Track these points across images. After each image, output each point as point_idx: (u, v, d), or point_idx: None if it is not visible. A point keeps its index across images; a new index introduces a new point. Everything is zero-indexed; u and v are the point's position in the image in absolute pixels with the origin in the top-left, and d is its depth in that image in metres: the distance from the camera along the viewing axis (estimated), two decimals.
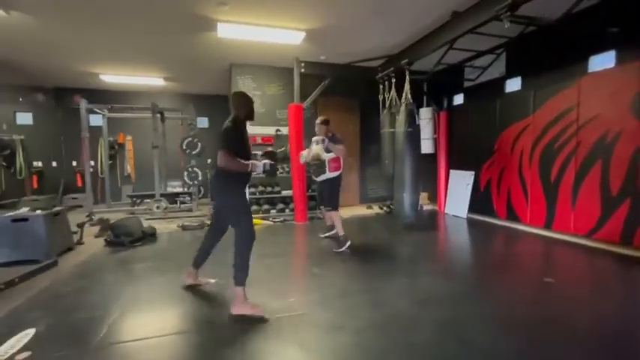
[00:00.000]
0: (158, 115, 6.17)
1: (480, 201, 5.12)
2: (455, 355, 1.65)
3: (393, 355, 1.65)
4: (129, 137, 7.39)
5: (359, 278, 2.72)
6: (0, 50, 4.70)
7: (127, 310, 2.20)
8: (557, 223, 3.98)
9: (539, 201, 4.21)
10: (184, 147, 5.64)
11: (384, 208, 5.88)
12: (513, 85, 4.69)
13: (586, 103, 3.62)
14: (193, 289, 2.53)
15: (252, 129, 4.99)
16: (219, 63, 5.41)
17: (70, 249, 3.66)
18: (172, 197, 6.12)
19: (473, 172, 5.25)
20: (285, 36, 4.22)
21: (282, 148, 5.37)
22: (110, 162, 7.12)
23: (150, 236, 4.09)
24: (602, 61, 3.54)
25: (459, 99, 5.80)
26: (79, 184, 6.93)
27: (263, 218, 5.09)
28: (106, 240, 3.86)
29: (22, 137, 6.59)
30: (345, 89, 6.05)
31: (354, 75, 5.60)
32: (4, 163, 6.49)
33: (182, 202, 6.04)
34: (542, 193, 4.16)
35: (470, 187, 5.24)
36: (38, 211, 3.24)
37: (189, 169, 5.67)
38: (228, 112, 5.84)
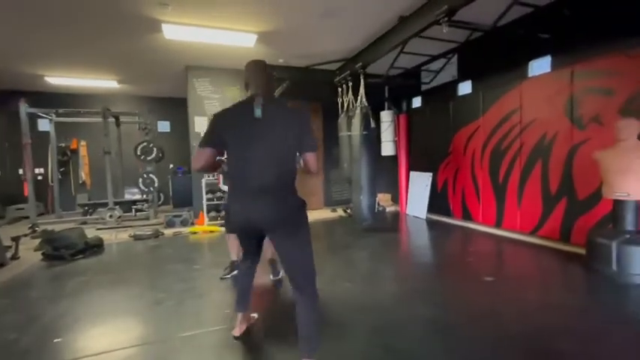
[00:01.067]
0: (112, 120, 5.90)
1: (437, 201, 5.23)
2: None
3: None
4: (83, 143, 7.02)
5: None
6: None
7: (45, 332, 2.03)
8: (505, 221, 4.12)
9: (489, 200, 4.34)
10: (139, 153, 5.42)
11: (348, 211, 5.88)
12: (465, 88, 4.83)
13: (527, 107, 3.77)
14: (123, 306, 2.39)
15: None
16: (173, 65, 5.23)
17: (1, 265, 3.39)
18: (128, 205, 5.86)
19: (431, 174, 5.35)
20: (236, 38, 4.13)
21: None
22: (62, 169, 6.75)
23: (95, 247, 3.87)
24: (540, 66, 3.70)
25: (417, 102, 5.91)
26: (26, 193, 6.48)
27: (221, 225, 4.95)
28: (43, 254, 3.61)
29: None
30: (307, 92, 6.03)
31: (315, 78, 5.58)
32: None
33: (138, 210, 5.79)
34: (492, 193, 4.30)
35: (428, 188, 5.34)
36: None
37: (145, 176, 5.45)
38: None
